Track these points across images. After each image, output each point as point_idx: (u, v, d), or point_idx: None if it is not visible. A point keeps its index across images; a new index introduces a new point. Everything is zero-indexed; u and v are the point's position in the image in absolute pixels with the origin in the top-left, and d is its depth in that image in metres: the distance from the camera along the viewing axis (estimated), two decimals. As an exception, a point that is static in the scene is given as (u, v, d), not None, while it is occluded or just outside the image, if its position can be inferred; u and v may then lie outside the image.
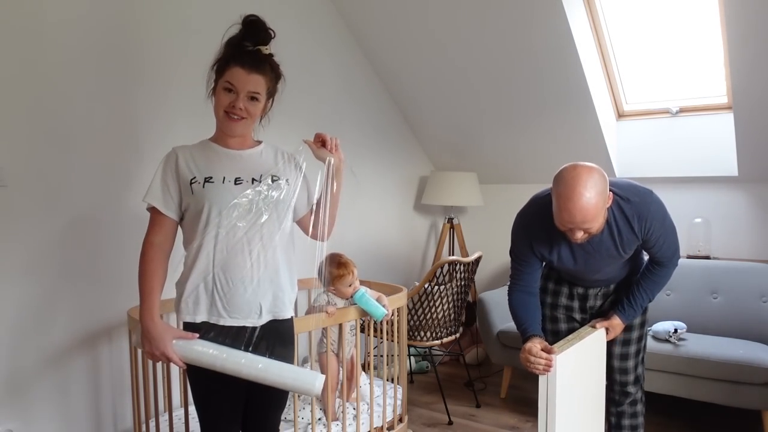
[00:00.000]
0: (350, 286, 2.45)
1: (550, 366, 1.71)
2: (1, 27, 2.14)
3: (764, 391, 2.62)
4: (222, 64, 1.61)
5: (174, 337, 1.55)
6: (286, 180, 1.67)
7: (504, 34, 3.27)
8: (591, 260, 1.94)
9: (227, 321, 1.60)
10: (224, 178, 1.61)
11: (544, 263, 2.01)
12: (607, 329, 2.03)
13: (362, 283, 2.92)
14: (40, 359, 2.28)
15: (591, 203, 1.67)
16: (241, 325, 1.61)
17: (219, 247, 1.57)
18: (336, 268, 2.44)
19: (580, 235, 1.74)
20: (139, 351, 2.23)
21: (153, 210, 1.62)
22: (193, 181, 1.60)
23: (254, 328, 1.62)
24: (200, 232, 1.58)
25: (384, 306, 2.41)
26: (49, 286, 2.30)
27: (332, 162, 1.65)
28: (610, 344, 2.09)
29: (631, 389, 2.12)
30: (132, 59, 2.54)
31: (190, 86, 2.72)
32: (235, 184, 1.61)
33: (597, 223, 1.73)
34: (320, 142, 1.67)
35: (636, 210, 1.83)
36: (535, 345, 1.78)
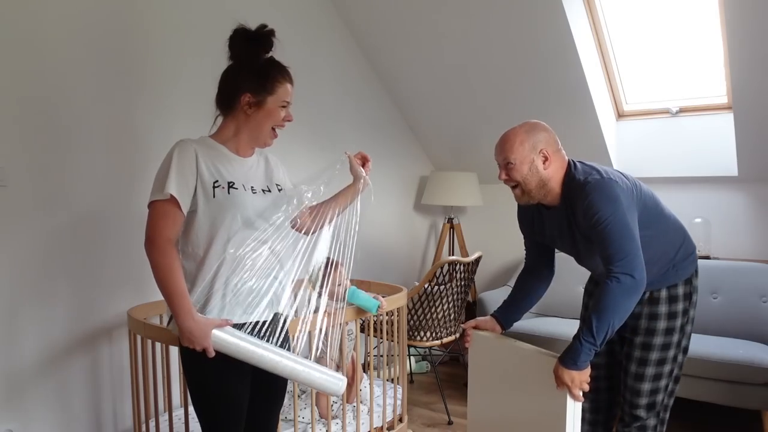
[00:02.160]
0: (340, 285, 2.45)
1: (465, 338, 2.02)
2: (1, 27, 2.14)
3: (764, 391, 2.62)
4: (273, 83, 1.64)
5: (213, 327, 1.54)
6: (284, 187, 1.77)
7: (504, 34, 3.27)
8: (562, 241, 1.94)
9: (242, 318, 1.61)
10: (243, 185, 1.63)
11: (540, 246, 2.08)
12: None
13: (362, 283, 2.93)
14: (40, 359, 2.28)
15: (514, 134, 1.82)
16: (255, 320, 1.64)
17: (241, 253, 1.59)
18: (324, 267, 2.45)
19: (502, 175, 1.85)
20: (139, 351, 2.23)
21: (168, 202, 1.54)
22: (216, 185, 1.59)
23: (264, 322, 1.66)
24: (221, 239, 1.58)
25: (377, 298, 2.43)
26: (49, 286, 2.30)
27: (367, 182, 1.82)
28: (627, 357, 1.92)
29: (642, 413, 1.89)
30: (133, 58, 2.53)
31: (191, 85, 2.71)
32: (252, 192, 1.65)
33: (515, 162, 1.80)
34: (361, 160, 1.83)
35: (581, 181, 1.79)
36: (477, 320, 2.05)
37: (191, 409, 2.45)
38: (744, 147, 3.15)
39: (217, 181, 1.59)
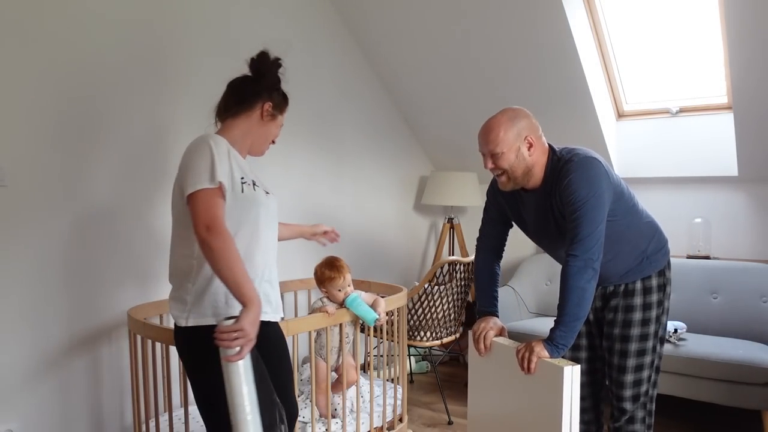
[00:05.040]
0: (340, 290, 2.44)
1: (483, 351, 1.92)
2: (1, 28, 2.14)
3: (764, 391, 2.62)
4: (284, 105, 1.80)
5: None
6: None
7: (504, 35, 3.27)
8: (537, 223, 1.93)
9: (263, 316, 1.58)
10: (262, 186, 1.71)
11: (508, 226, 2.10)
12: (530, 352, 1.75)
13: (362, 283, 2.93)
14: (40, 359, 2.28)
15: (497, 124, 1.81)
16: (272, 320, 1.70)
17: (264, 247, 1.65)
18: (328, 269, 2.46)
19: (489, 164, 1.86)
20: (139, 351, 2.23)
21: (217, 190, 1.53)
22: (243, 180, 1.61)
23: (275, 323, 1.72)
24: (244, 236, 1.60)
25: (377, 311, 2.40)
26: (49, 286, 2.30)
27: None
28: (609, 351, 1.97)
29: (627, 406, 1.93)
30: (131, 64, 2.53)
31: (188, 88, 2.72)
32: (266, 193, 1.72)
33: (503, 151, 1.81)
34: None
35: (565, 159, 1.84)
36: (489, 329, 1.92)
37: (192, 408, 2.45)
38: (744, 147, 3.15)
39: (243, 177, 1.62)
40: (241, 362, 1.50)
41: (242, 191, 1.59)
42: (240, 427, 1.51)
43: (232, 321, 1.49)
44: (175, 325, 1.65)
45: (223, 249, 1.47)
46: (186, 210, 1.56)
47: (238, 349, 1.46)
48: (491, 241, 2.11)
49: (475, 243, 2.17)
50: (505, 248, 2.16)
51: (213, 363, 1.51)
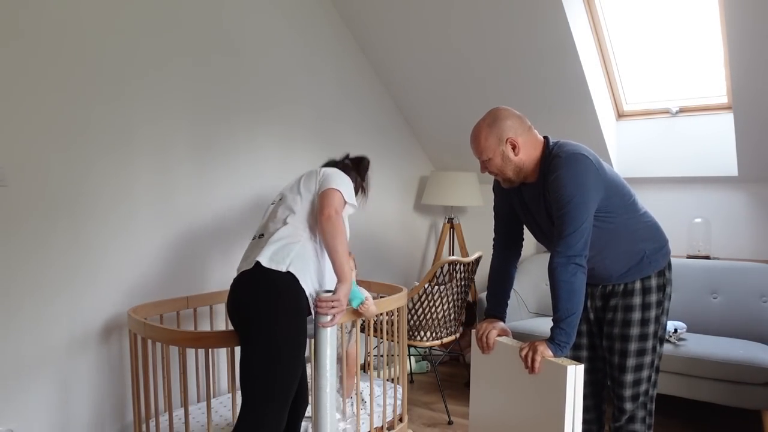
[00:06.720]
0: None
1: (485, 350, 1.96)
2: (2, 27, 2.14)
3: (764, 391, 2.62)
4: (357, 192, 2.22)
5: None
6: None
7: (504, 35, 3.27)
8: (538, 215, 1.94)
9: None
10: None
11: (520, 228, 2.11)
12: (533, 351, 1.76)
13: (362, 283, 2.92)
14: (40, 359, 2.28)
15: (479, 131, 1.88)
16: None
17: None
18: None
19: (483, 169, 1.94)
20: (140, 351, 2.23)
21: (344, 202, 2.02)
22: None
23: None
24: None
25: (366, 297, 2.36)
26: (49, 286, 2.30)
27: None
28: (609, 351, 1.98)
29: (627, 406, 1.93)
30: (128, 62, 2.54)
31: (187, 87, 2.72)
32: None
33: (489, 157, 1.88)
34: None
35: (555, 155, 1.85)
36: (492, 329, 1.95)
37: (192, 408, 2.45)
38: (744, 147, 3.15)
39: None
40: (329, 329, 1.89)
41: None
42: (321, 381, 1.90)
43: (329, 294, 1.88)
44: (265, 268, 1.87)
45: (340, 228, 1.90)
46: (311, 206, 2.00)
47: (331, 317, 1.88)
48: (505, 239, 2.12)
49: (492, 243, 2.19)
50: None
51: (293, 307, 1.85)
